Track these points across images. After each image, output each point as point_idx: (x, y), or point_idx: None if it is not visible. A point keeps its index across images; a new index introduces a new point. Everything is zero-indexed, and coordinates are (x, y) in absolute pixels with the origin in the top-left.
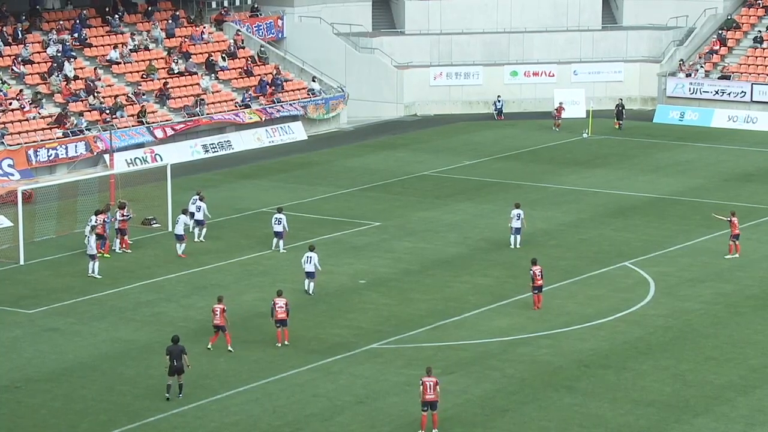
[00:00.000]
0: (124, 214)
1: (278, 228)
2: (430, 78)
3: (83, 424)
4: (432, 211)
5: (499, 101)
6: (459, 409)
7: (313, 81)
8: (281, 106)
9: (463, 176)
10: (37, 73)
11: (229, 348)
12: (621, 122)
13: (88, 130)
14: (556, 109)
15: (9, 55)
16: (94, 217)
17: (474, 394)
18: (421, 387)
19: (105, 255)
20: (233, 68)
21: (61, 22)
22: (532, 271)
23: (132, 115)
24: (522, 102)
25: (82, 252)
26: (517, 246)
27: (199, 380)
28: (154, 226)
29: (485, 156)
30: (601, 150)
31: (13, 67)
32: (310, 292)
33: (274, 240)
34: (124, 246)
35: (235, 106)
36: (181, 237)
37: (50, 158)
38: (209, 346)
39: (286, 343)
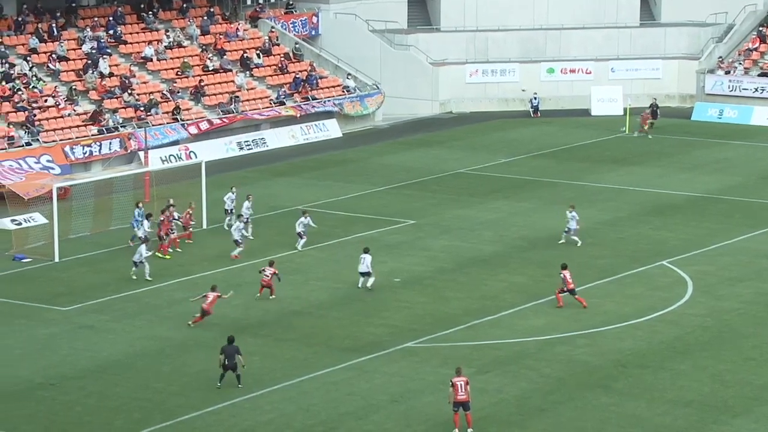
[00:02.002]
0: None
1: (301, 228)
2: (465, 75)
3: (117, 421)
4: (468, 209)
5: (535, 98)
6: (494, 408)
7: (348, 78)
8: (316, 102)
9: (499, 174)
10: (73, 70)
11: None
12: (652, 121)
13: (123, 127)
14: (643, 114)
15: (44, 52)
16: (147, 223)
17: (510, 393)
18: (452, 388)
19: (165, 257)
20: (268, 65)
21: (96, 19)
22: (563, 275)
23: (167, 113)
24: (559, 99)
25: (117, 249)
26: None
27: (234, 378)
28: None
29: (521, 153)
30: (639, 147)
31: (49, 64)
32: (369, 286)
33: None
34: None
35: (270, 103)
36: (238, 242)
37: (86, 155)
38: (189, 323)
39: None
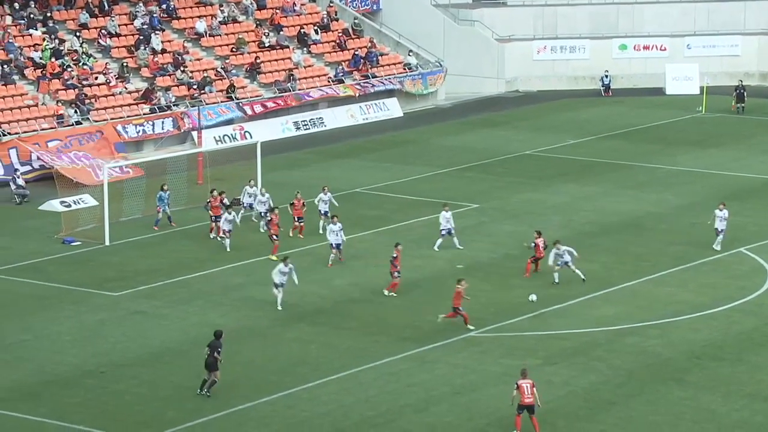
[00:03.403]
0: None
1: (324, 207)
2: (533, 52)
3: (169, 411)
4: (534, 193)
5: (606, 76)
6: (562, 401)
7: (410, 55)
8: (376, 81)
9: (567, 156)
10: (124, 46)
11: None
12: (743, 105)
13: (176, 105)
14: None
15: (95, 28)
16: (227, 215)
17: (578, 386)
18: (517, 390)
19: (272, 257)
20: (326, 41)
21: None
22: (536, 243)
23: (221, 91)
24: (631, 77)
25: (169, 232)
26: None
27: (289, 367)
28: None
29: (591, 135)
30: (716, 129)
31: (99, 40)
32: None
33: (320, 222)
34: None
35: (328, 81)
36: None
37: (138, 134)
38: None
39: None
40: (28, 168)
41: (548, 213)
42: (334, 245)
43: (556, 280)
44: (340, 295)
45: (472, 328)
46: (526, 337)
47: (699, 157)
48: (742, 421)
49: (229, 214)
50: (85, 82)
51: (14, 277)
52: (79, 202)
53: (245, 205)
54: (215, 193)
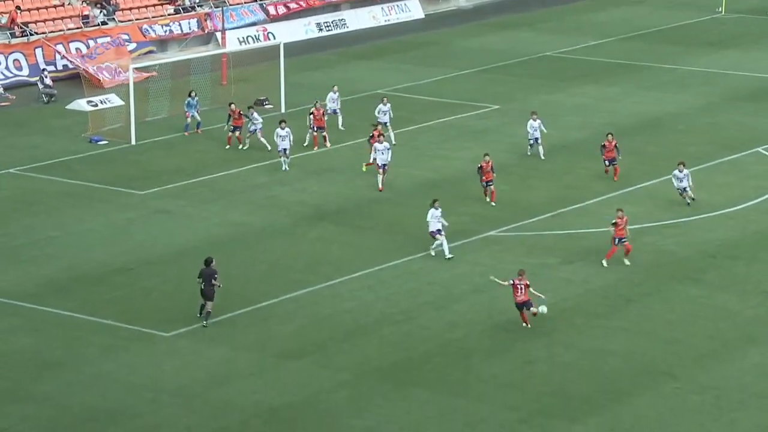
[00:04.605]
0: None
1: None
2: None
3: (194, 307)
4: (554, 94)
5: None
6: (580, 299)
7: None
8: None
9: (588, 57)
10: None
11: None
12: None
13: (200, 6)
14: None
15: None
16: (281, 130)
17: (595, 284)
18: (512, 288)
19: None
20: None
21: None
22: (481, 166)
23: None
24: None
25: (193, 133)
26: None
27: (312, 266)
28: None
29: (611, 36)
30: (736, 29)
31: None
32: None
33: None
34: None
35: None
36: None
37: (166, 33)
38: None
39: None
40: (52, 68)
41: (568, 114)
42: (380, 165)
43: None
44: (362, 196)
45: (628, 263)
46: (545, 236)
47: (717, 58)
48: (757, 318)
49: (282, 129)
50: None
51: (43, 174)
52: (105, 102)
53: (330, 111)
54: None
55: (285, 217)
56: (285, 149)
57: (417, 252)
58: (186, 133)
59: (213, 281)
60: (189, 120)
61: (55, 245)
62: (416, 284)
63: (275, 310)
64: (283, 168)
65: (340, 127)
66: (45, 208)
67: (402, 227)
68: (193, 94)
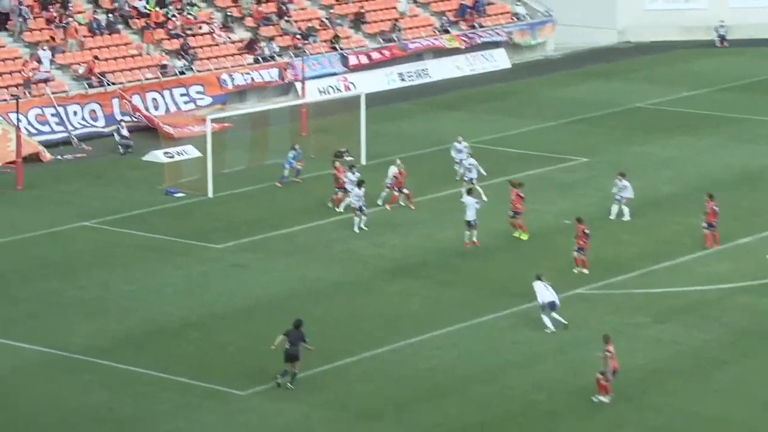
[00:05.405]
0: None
1: (471, 175)
2: (645, 1)
3: (272, 364)
4: (646, 146)
5: (722, 26)
6: (671, 361)
7: (518, 4)
8: (483, 31)
9: (681, 108)
10: None
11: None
12: None
13: (279, 56)
14: None
15: None
16: (359, 191)
17: (688, 345)
18: (611, 359)
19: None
20: None
21: None
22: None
23: (325, 41)
24: (749, 28)
25: (272, 184)
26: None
27: (392, 321)
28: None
29: (706, 87)
30: None
31: None
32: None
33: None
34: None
35: (434, 32)
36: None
37: (247, 82)
38: None
39: None
40: (128, 118)
41: (660, 167)
42: (472, 221)
43: None
44: (445, 249)
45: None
46: (635, 294)
47: None
48: None
49: (360, 189)
50: (189, 32)
51: (119, 227)
52: (182, 153)
53: (457, 161)
54: (337, 164)
55: (362, 270)
56: (361, 207)
57: (501, 309)
58: (279, 184)
59: (302, 344)
60: (286, 172)
61: (129, 299)
62: (500, 342)
63: (353, 369)
64: (355, 228)
65: (482, 173)
66: (120, 262)
67: (485, 283)
68: (297, 146)
